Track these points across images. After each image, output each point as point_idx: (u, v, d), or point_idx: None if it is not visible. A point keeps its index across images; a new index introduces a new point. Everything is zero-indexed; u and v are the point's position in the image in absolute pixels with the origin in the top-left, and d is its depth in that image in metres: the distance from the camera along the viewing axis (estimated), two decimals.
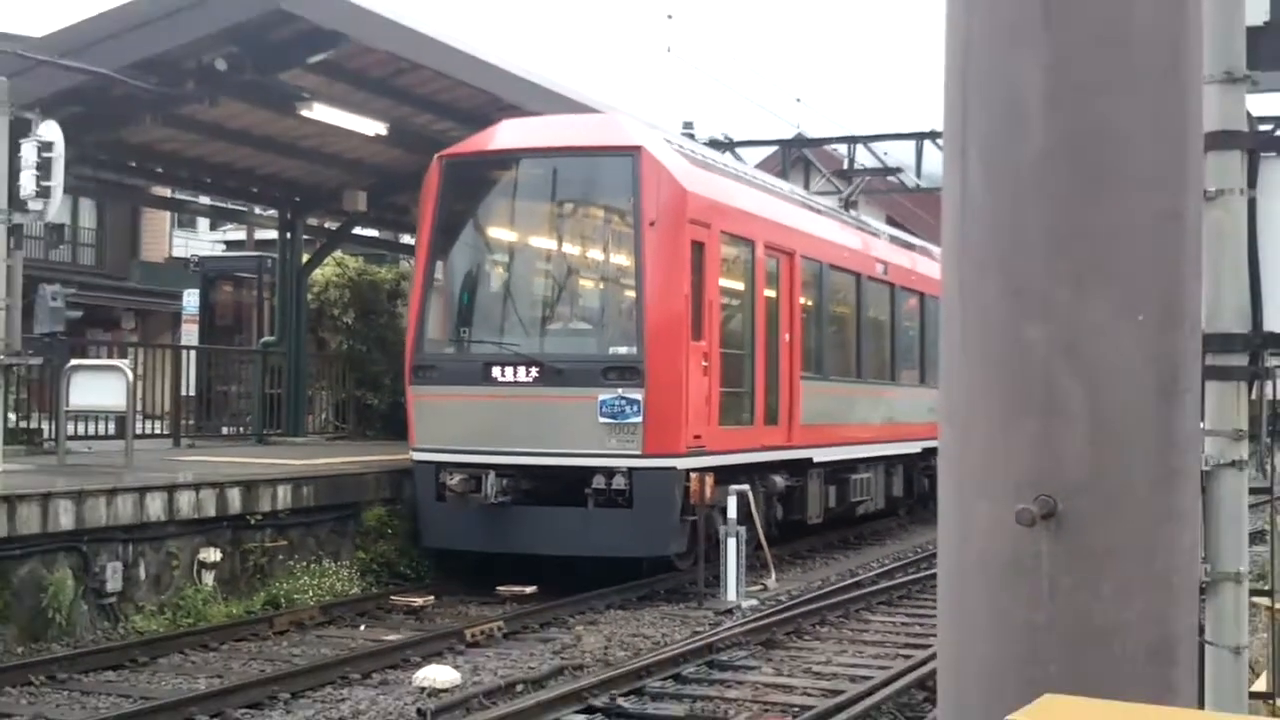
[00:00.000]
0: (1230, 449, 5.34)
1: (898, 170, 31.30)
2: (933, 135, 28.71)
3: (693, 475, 17.29)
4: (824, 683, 12.12)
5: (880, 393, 25.81)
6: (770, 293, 20.04)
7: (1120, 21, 3.41)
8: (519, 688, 11.46)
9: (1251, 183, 5.62)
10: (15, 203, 15.49)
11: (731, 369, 18.57)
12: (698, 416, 16.88)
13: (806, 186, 30.42)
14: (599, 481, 16.08)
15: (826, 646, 14.10)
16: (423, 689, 11.12)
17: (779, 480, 19.65)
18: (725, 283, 18.71)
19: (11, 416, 18.18)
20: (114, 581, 13.62)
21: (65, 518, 13.22)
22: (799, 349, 20.62)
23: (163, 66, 17.47)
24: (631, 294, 17.04)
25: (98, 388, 16.83)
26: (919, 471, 27.32)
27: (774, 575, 18.16)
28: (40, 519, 12.96)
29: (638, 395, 16.06)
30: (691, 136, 26.52)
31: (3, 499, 12.70)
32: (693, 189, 17.31)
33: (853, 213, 27.85)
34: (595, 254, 18.48)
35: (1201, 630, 4.65)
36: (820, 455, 21.07)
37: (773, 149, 33.94)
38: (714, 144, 28.00)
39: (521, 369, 16.72)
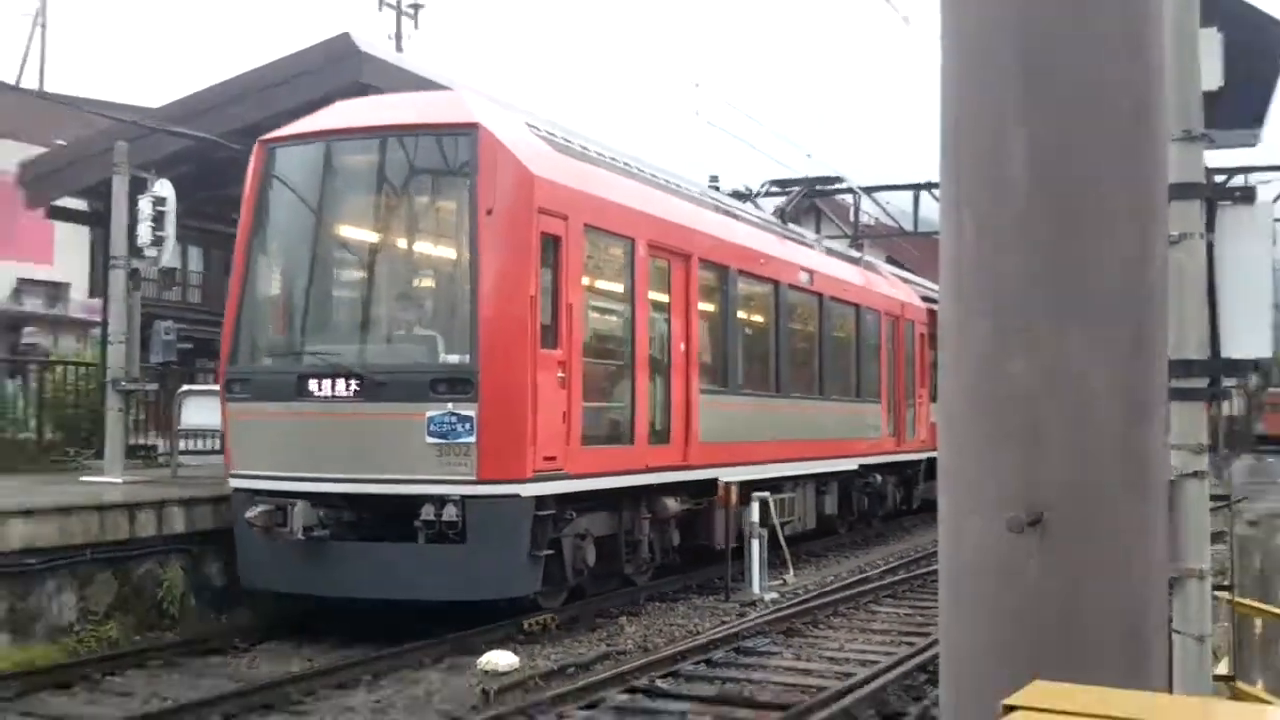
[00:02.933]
0: (1192, 461, 5.34)
1: (838, 180, 28.11)
2: (928, 186, 28.68)
3: (720, 484, 17.02)
4: (838, 667, 12.06)
5: (806, 408, 20.61)
6: (659, 297, 15.79)
7: (1094, 91, 3.41)
8: (570, 670, 11.44)
9: (1210, 227, 5.63)
10: (134, 250, 15.83)
11: (601, 382, 14.61)
12: (550, 435, 12.78)
13: (817, 231, 30.27)
14: (428, 512, 12.08)
15: (839, 634, 14.02)
16: (486, 672, 11.11)
17: (671, 503, 15.63)
18: (594, 284, 14.68)
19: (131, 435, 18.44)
20: (219, 579, 13.72)
21: (178, 523, 13.35)
22: (696, 361, 16.33)
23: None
24: (465, 294, 12.75)
25: (206, 410, 17.02)
26: (858, 489, 23.23)
27: (792, 571, 18.02)
28: (156, 524, 13.09)
29: (470, 411, 12.06)
30: (716, 188, 26.30)
31: (125, 506, 12.84)
32: (543, 174, 13.13)
33: (793, 228, 23.89)
34: (426, 249, 14.19)
35: (1170, 621, 4.62)
36: (729, 475, 16.72)
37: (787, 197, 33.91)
38: (736, 194, 27.77)
39: (340, 382, 12.62)
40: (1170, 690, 4.26)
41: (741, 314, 18.26)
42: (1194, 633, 5.32)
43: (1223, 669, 8.12)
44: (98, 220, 22.39)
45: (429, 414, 12.15)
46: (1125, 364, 3.42)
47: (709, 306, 17.18)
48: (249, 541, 12.86)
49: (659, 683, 11.01)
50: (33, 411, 21.05)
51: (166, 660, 11.72)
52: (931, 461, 25.37)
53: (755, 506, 16.63)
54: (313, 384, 12.73)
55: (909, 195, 30.56)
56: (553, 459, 12.78)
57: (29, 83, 16.72)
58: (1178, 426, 5.13)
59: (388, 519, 12.60)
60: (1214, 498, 5.92)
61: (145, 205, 15.62)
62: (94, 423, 18.68)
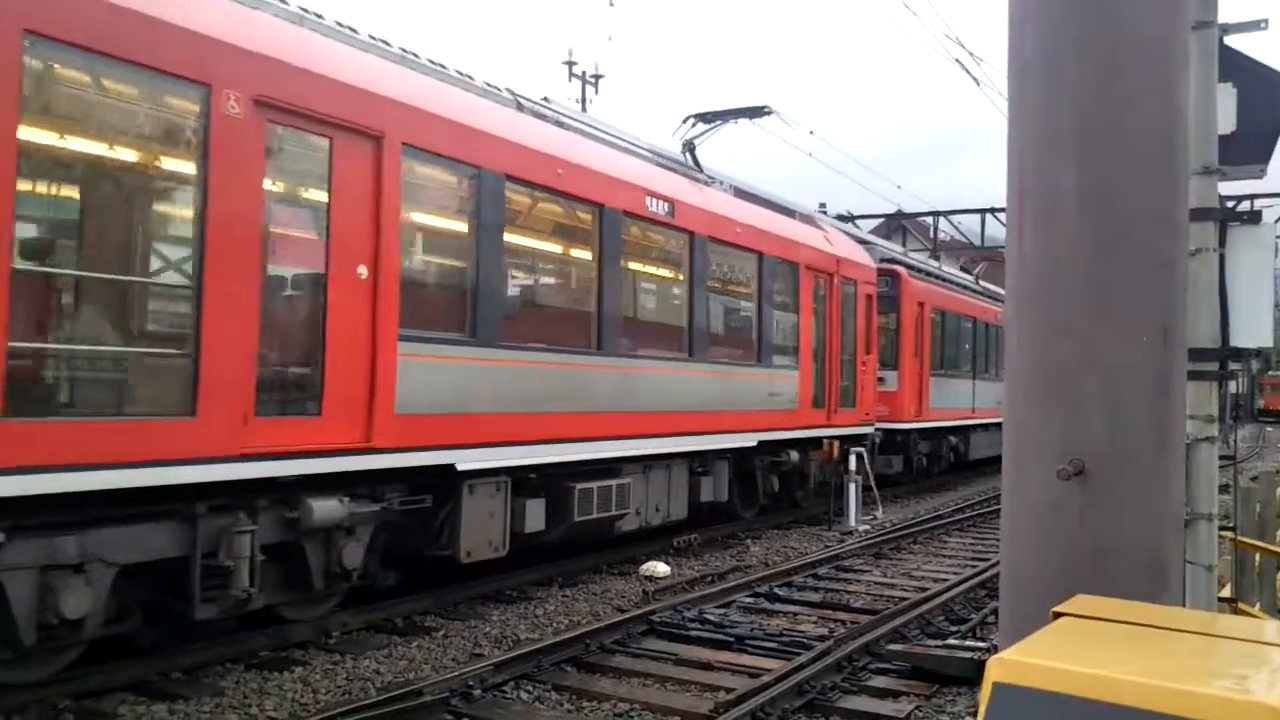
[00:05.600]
0: (1205, 428, 5.21)
1: (765, 109, 15.64)
2: (993, 210, 27.91)
3: (825, 441, 16.60)
4: (915, 582, 11.89)
5: (658, 372, 12.10)
6: (282, 187, 7.86)
7: (1131, 133, 3.32)
8: (709, 578, 11.48)
9: (1221, 243, 5.48)
10: None
11: (51, 312, 6.58)
12: None
13: (903, 245, 29.59)
14: None
15: (917, 558, 13.80)
16: (646, 577, 11.23)
17: (328, 507, 7.91)
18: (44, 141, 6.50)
19: None
20: None
21: None
22: (394, 296, 8.44)
23: None
24: None
25: None
26: (765, 469, 15.19)
27: (881, 509, 17.77)
28: None
29: None
30: (824, 211, 25.85)
31: None
32: None
33: (710, 171, 14.94)
34: None
35: (1185, 553, 4.49)
36: (481, 461, 9.37)
37: (880, 220, 33.34)
38: (840, 217, 27.26)
39: None
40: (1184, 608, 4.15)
41: (516, 239, 10.22)
42: (1204, 563, 5.18)
43: (1226, 593, 7.85)
44: None
45: None
46: (1151, 350, 3.33)
47: (438, 221, 9.46)
48: None
49: (776, 590, 10.98)
50: None
51: None
52: (889, 433, 19.63)
53: (853, 459, 16.41)
54: None
55: (978, 217, 29.75)
56: None
57: None
58: (1193, 401, 4.98)
59: None
60: (1222, 458, 5.75)
61: None
62: None
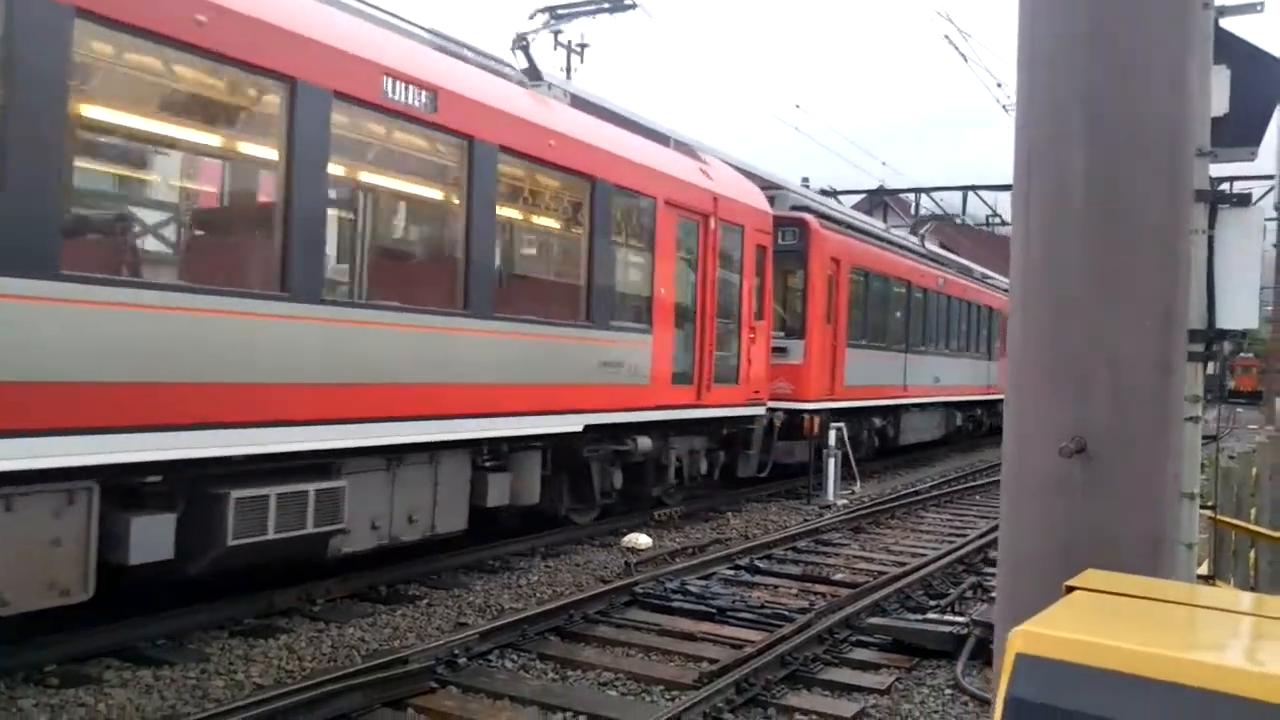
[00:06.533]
0: (1190, 408, 5.26)
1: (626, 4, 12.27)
2: (974, 187, 28.03)
3: (806, 417, 16.63)
4: (894, 557, 12.02)
5: (408, 328, 8.48)
6: None
7: (1139, 121, 3.35)
8: (690, 550, 11.56)
9: (1211, 225, 5.53)
10: None
11: None
12: None
13: (884, 221, 29.67)
14: None
15: (896, 533, 13.94)
16: (628, 548, 11.27)
17: None
18: None
19: None
20: None
21: None
22: None
23: None
24: None
25: None
26: (602, 460, 11.75)
27: (859, 484, 17.88)
28: None
29: None
30: (807, 185, 25.93)
31: None
32: None
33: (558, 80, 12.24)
34: None
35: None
36: (21, 457, 5.73)
37: (863, 195, 33.45)
38: (823, 192, 27.25)
39: None
40: None
41: (108, 114, 6.76)
42: (1184, 541, 5.26)
43: (1203, 570, 7.99)
44: None
45: None
46: (1153, 333, 3.39)
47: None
48: None
49: (756, 562, 11.08)
50: None
51: None
52: (792, 414, 16.15)
53: (832, 434, 16.47)
54: None
55: (959, 194, 29.92)
56: None
57: None
58: None
59: None
60: (1203, 437, 5.84)
61: None
62: None
